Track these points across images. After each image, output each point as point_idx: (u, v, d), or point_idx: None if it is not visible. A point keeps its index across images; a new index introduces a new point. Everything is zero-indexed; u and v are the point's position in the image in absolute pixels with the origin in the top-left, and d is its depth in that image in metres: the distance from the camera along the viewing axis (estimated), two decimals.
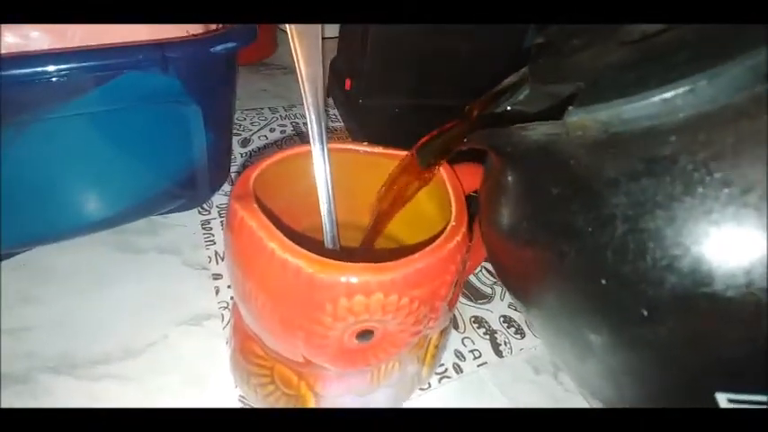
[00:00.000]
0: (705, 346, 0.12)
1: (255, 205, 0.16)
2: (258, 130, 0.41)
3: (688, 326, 0.12)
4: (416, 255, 0.15)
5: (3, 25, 0.20)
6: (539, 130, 0.14)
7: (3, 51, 0.21)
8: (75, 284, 0.26)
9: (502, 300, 0.30)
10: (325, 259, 0.14)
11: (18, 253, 0.27)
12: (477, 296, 0.30)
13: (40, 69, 0.19)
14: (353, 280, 0.14)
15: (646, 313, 0.12)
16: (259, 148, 0.39)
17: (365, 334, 0.16)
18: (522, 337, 0.28)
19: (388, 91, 0.41)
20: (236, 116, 0.42)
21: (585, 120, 0.13)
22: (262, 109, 0.44)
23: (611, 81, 0.13)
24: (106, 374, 0.23)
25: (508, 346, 0.27)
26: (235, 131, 0.40)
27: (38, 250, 0.27)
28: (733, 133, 0.11)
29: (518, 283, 0.19)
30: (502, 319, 0.29)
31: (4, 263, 0.26)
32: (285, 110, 0.45)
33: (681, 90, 0.12)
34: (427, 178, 0.20)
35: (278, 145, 0.40)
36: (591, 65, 0.15)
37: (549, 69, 0.17)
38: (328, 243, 0.21)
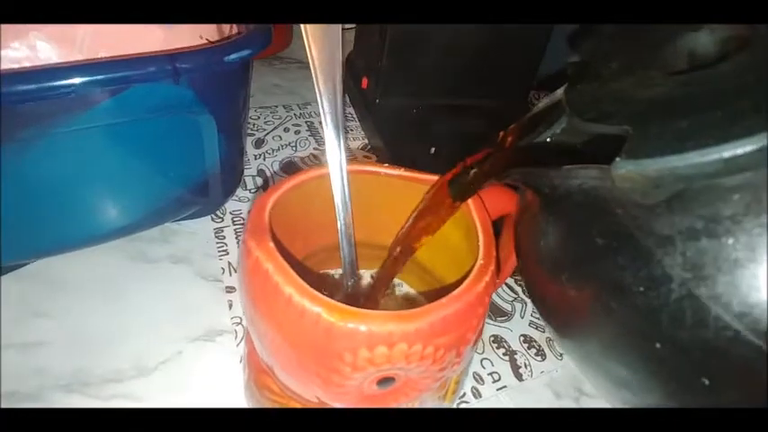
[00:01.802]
0: None
1: (272, 244, 0.15)
2: (272, 130, 0.40)
3: (754, 396, 0.11)
4: (443, 300, 0.14)
5: (6, 36, 0.19)
6: (582, 175, 0.13)
7: (8, 65, 0.20)
8: (86, 296, 0.26)
9: (522, 317, 0.29)
10: (345, 306, 0.14)
11: (28, 263, 0.26)
12: (496, 313, 0.29)
13: (50, 84, 0.19)
14: (375, 330, 0.13)
15: (707, 383, 0.12)
16: (273, 150, 0.38)
17: (386, 381, 0.15)
18: (543, 359, 0.27)
19: (405, 90, 0.39)
20: (248, 114, 0.41)
21: (633, 173, 0.11)
22: (276, 107, 0.43)
23: (661, 128, 0.12)
24: (119, 393, 0.22)
25: (528, 368, 0.26)
26: (248, 131, 0.39)
27: (48, 260, 0.27)
28: None
29: (557, 321, 0.17)
30: (522, 338, 0.28)
31: (13, 273, 0.26)
32: (299, 108, 0.44)
33: (745, 150, 0.10)
34: (456, 209, 0.18)
35: (292, 146, 0.39)
36: (635, 99, 0.14)
37: (587, 100, 0.15)
38: (346, 267, 0.20)
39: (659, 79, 0.13)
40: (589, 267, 0.14)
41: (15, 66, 0.20)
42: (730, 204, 0.11)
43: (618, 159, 0.11)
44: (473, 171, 0.17)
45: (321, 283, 0.15)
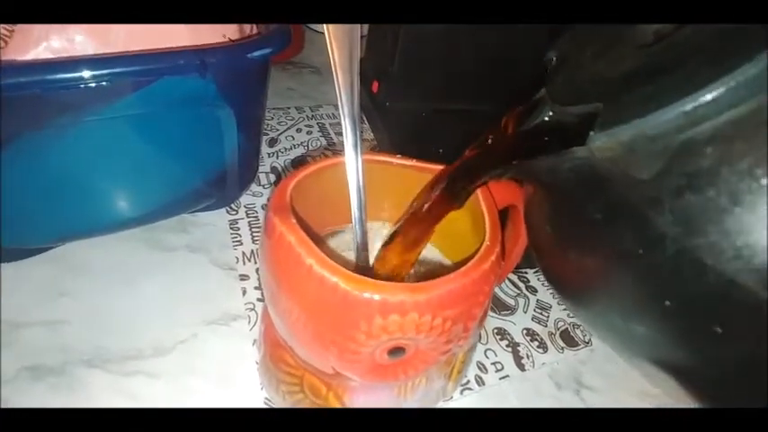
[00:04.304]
0: None
1: (294, 220, 0.16)
2: (285, 130, 0.42)
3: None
4: (451, 275, 0.15)
5: (48, 30, 0.21)
6: (568, 157, 0.14)
7: (48, 55, 0.21)
8: (108, 280, 0.27)
9: (525, 312, 0.30)
10: (361, 277, 0.15)
11: (53, 247, 0.28)
12: (500, 307, 0.30)
13: (84, 74, 0.20)
14: (389, 299, 0.15)
15: (720, 330, 0.12)
16: (286, 149, 0.39)
17: (397, 351, 0.16)
18: (545, 351, 0.28)
19: (415, 95, 0.41)
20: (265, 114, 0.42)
21: (610, 143, 0.13)
22: (289, 108, 0.45)
23: (627, 98, 0.13)
24: (138, 370, 0.23)
25: (530, 359, 0.27)
26: (263, 131, 0.40)
27: (72, 245, 0.28)
28: None
29: (576, 298, 0.18)
30: (525, 331, 0.29)
31: (40, 256, 0.27)
32: (312, 110, 0.45)
33: (701, 101, 0.11)
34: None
35: (304, 146, 0.40)
36: (607, 77, 0.15)
37: (565, 87, 0.17)
38: (360, 254, 0.21)
39: (628, 55, 0.15)
40: (592, 241, 0.15)
41: (54, 56, 0.21)
42: (706, 157, 0.12)
43: (592, 133, 0.13)
44: (470, 171, 0.18)
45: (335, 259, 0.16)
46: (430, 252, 0.23)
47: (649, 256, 0.13)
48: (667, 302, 0.13)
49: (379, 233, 0.24)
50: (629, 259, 0.13)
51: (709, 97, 0.11)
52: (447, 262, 0.23)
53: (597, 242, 0.15)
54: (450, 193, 0.19)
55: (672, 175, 0.12)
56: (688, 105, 0.11)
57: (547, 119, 0.17)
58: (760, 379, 0.13)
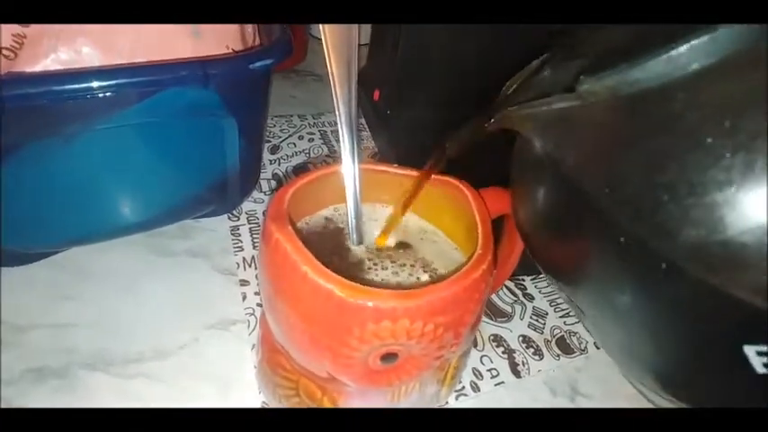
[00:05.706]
0: (726, 296, 0.12)
1: (290, 228, 0.16)
2: (287, 138, 0.42)
3: (707, 275, 0.12)
4: (443, 282, 0.16)
5: (57, 42, 0.22)
6: (556, 103, 0.15)
7: (57, 67, 0.22)
8: (111, 284, 0.28)
9: (521, 319, 0.30)
10: (355, 284, 0.15)
11: (58, 251, 0.28)
12: (496, 314, 0.30)
13: (90, 85, 0.20)
14: (380, 305, 0.15)
15: (664, 266, 0.13)
16: (288, 156, 0.40)
17: (389, 357, 0.16)
18: (541, 359, 0.28)
19: (417, 102, 0.41)
20: (267, 122, 0.43)
21: (595, 86, 0.14)
22: (291, 116, 0.45)
23: (618, 51, 0.14)
24: (139, 373, 0.24)
25: (526, 366, 0.28)
26: (265, 138, 0.41)
27: (77, 250, 0.29)
28: (737, 86, 0.12)
29: (551, 260, 0.19)
30: (521, 338, 0.29)
31: (45, 260, 0.28)
32: (314, 117, 0.46)
33: (678, 50, 0.12)
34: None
35: (306, 153, 0.41)
36: (605, 39, 0.16)
37: (566, 50, 0.18)
38: (353, 239, 0.21)
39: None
40: (566, 185, 0.16)
41: (62, 67, 0.22)
42: (676, 102, 0.13)
43: (582, 77, 0.14)
44: (466, 127, 0.19)
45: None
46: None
47: (615, 195, 0.14)
48: (621, 239, 0.14)
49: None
50: (596, 200, 0.14)
51: (685, 47, 0.12)
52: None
53: (571, 184, 0.15)
54: (450, 145, 0.21)
55: (646, 117, 0.13)
56: (667, 54, 0.13)
57: (546, 74, 0.18)
58: (714, 327, 0.13)
